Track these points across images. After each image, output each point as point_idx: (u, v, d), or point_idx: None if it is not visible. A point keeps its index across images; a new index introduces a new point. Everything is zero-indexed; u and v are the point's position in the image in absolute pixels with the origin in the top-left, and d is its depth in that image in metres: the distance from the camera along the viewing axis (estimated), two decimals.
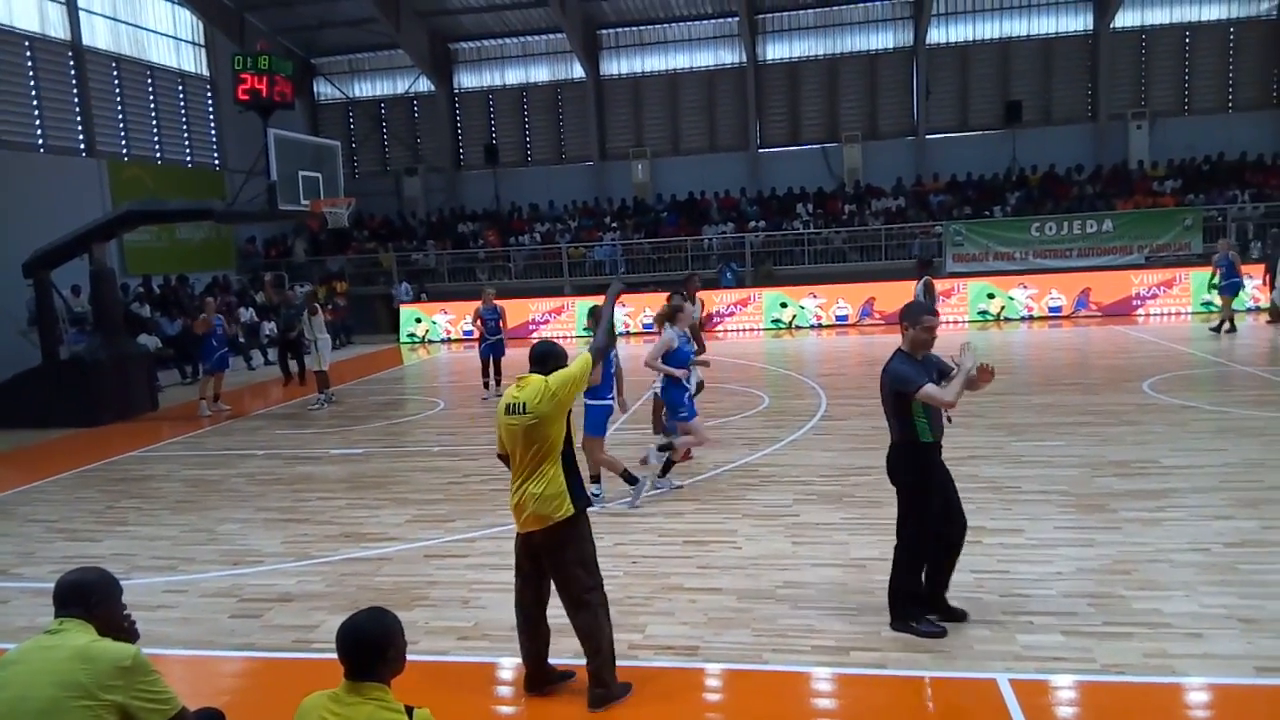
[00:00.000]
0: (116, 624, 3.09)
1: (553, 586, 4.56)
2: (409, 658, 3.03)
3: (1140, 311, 20.64)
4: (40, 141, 20.83)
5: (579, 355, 4.62)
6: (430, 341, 23.73)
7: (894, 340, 5.14)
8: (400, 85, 30.67)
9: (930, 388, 4.83)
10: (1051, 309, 21.08)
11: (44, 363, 14.18)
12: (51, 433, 12.99)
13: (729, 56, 28.85)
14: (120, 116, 23.13)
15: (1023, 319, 21.02)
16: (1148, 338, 17.04)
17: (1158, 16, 26.49)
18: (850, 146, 27.37)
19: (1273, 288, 18.00)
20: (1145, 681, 4.54)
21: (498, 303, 14.41)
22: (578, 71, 29.28)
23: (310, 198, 14.08)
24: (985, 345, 16.94)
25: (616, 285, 5.32)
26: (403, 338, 24.03)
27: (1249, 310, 19.44)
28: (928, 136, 27.70)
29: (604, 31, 29.27)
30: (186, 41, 25.77)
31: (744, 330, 22.11)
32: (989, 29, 27.47)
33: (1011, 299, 21.25)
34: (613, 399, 8.04)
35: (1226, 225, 22.24)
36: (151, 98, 24.20)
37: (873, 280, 22.50)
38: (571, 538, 4.45)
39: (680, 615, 5.54)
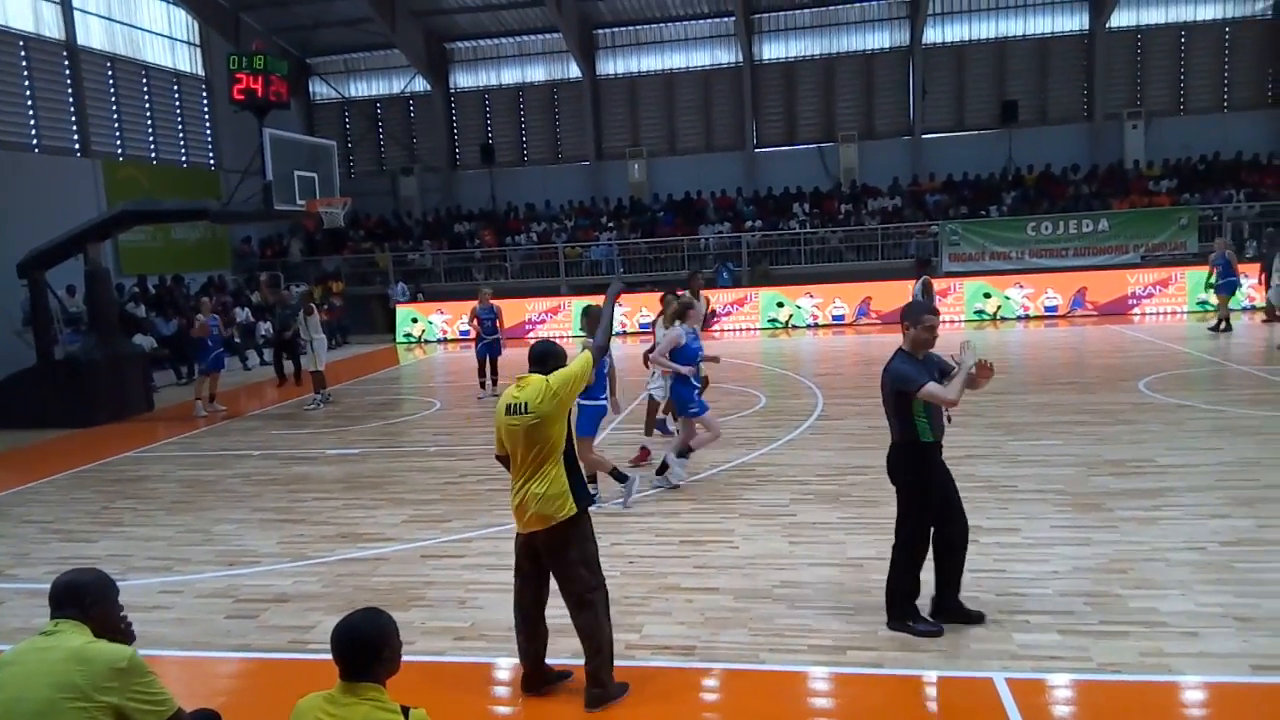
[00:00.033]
0: (112, 625, 3.08)
1: (553, 586, 4.55)
2: (405, 658, 3.02)
3: (1136, 311, 20.67)
4: (35, 141, 20.79)
5: (579, 354, 4.63)
6: (426, 341, 23.70)
7: (891, 340, 5.14)
8: (396, 85, 30.63)
9: (932, 386, 4.84)
10: (1047, 308, 21.11)
11: (39, 363, 14.15)
12: (46, 433, 12.96)
13: (725, 56, 28.85)
14: (115, 116, 23.08)
15: (1019, 318, 21.05)
16: (1144, 337, 17.07)
17: (1153, 16, 26.53)
18: (846, 146, 27.38)
19: (1269, 286, 18.03)
20: (1141, 680, 4.54)
21: (494, 302, 14.42)
22: (574, 71, 29.26)
23: (306, 198, 14.07)
24: (982, 345, 16.79)
25: (617, 285, 5.32)
26: (399, 338, 23.99)
27: (1245, 309, 19.49)
28: (924, 136, 27.72)
29: (600, 31, 29.26)
30: (181, 41, 25.73)
31: (740, 330, 22.10)
32: (985, 29, 27.50)
33: (1007, 298, 21.27)
34: (606, 399, 8.03)
35: (1222, 224, 22.29)
36: (146, 97, 24.15)
37: (869, 280, 22.51)
38: (575, 537, 4.45)
39: (677, 615, 5.54)
